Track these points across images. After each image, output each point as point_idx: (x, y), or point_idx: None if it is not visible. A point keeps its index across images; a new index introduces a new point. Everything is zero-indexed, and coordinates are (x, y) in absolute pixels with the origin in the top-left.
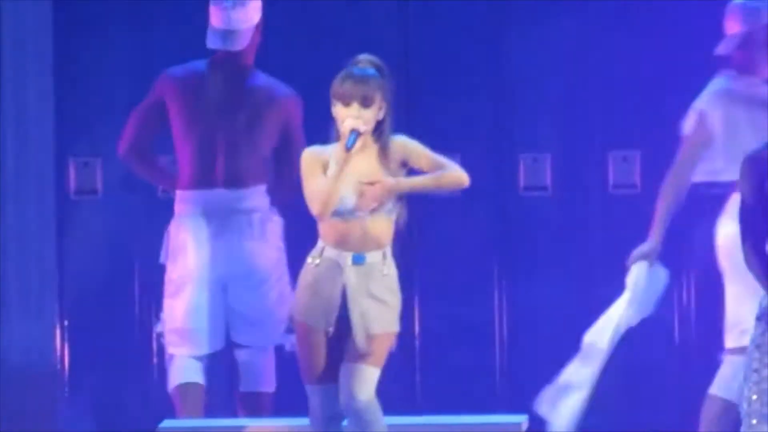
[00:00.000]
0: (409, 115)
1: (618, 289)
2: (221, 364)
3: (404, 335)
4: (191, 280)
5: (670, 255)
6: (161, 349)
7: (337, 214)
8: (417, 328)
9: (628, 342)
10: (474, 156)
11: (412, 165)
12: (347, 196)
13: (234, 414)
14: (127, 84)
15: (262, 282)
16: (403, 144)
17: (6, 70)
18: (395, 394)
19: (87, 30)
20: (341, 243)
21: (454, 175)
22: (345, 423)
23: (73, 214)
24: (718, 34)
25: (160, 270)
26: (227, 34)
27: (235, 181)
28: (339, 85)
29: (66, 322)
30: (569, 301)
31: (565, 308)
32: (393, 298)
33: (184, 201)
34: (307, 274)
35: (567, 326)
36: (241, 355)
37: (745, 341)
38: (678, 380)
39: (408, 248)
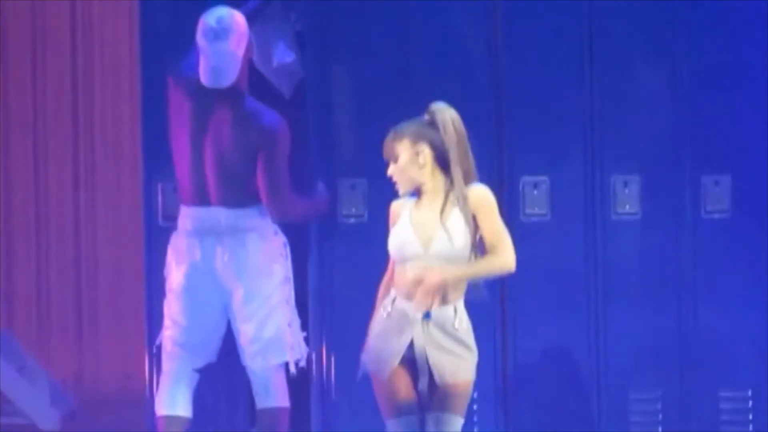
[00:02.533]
0: (501, 138)
1: (709, 314)
2: (241, 378)
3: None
4: (186, 294)
5: None
6: None
7: (402, 260)
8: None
9: None
10: (565, 178)
11: (477, 221)
12: (411, 243)
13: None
14: None
15: (262, 302)
16: (480, 199)
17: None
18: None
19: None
20: (409, 294)
21: (502, 262)
22: None
23: (161, 239)
24: None
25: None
26: (216, 71)
27: (229, 200)
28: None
29: (154, 348)
30: (659, 326)
31: (655, 333)
32: (465, 350)
33: (183, 216)
34: (377, 323)
35: (658, 351)
36: (250, 373)
37: None
38: None
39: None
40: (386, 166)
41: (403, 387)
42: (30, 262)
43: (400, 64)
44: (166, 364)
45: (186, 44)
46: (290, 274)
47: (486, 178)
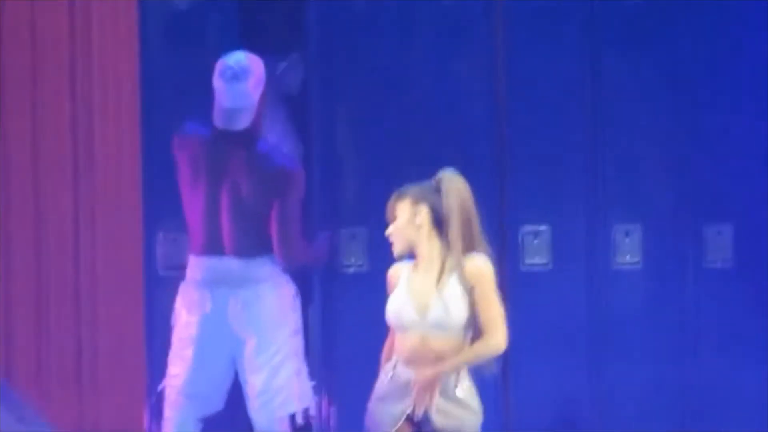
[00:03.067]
0: (502, 187)
1: (712, 364)
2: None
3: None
4: (197, 344)
5: None
6: None
7: (400, 328)
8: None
9: None
10: (565, 227)
11: (473, 294)
12: (407, 311)
13: None
14: None
15: (274, 353)
16: (478, 270)
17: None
18: None
19: (174, 104)
20: (409, 360)
21: (494, 345)
22: None
23: (161, 288)
24: None
25: None
26: (231, 112)
27: (242, 250)
28: None
29: (154, 398)
30: (661, 377)
31: (657, 384)
32: (468, 413)
33: (193, 266)
34: (380, 387)
35: (660, 402)
36: (255, 424)
37: None
38: None
39: None
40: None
41: None
42: (29, 311)
43: (402, 114)
44: (170, 412)
45: (187, 94)
46: (300, 325)
47: (486, 227)
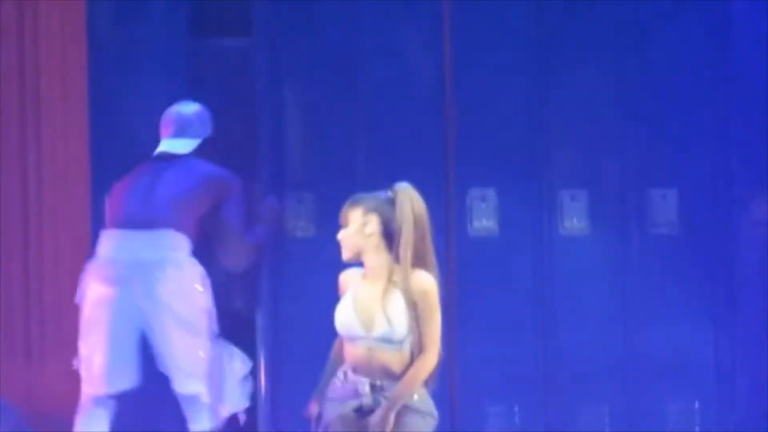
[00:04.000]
0: (448, 149)
1: (656, 327)
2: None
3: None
4: (104, 320)
5: None
6: None
7: (348, 339)
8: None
9: None
10: (511, 192)
11: (415, 311)
12: (354, 325)
13: None
14: None
15: (181, 331)
16: (424, 288)
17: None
18: None
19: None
20: (356, 369)
21: (428, 365)
22: None
23: None
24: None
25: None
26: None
27: (148, 222)
28: None
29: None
30: (606, 341)
31: (603, 347)
32: (421, 418)
33: (104, 241)
34: (333, 389)
35: (605, 365)
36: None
37: None
38: None
39: (446, 286)
40: (335, 181)
41: None
42: None
43: (349, 79)
44: (85, 388)
45: (133, 75)
46: (211, 304)
47: (433, 191)
